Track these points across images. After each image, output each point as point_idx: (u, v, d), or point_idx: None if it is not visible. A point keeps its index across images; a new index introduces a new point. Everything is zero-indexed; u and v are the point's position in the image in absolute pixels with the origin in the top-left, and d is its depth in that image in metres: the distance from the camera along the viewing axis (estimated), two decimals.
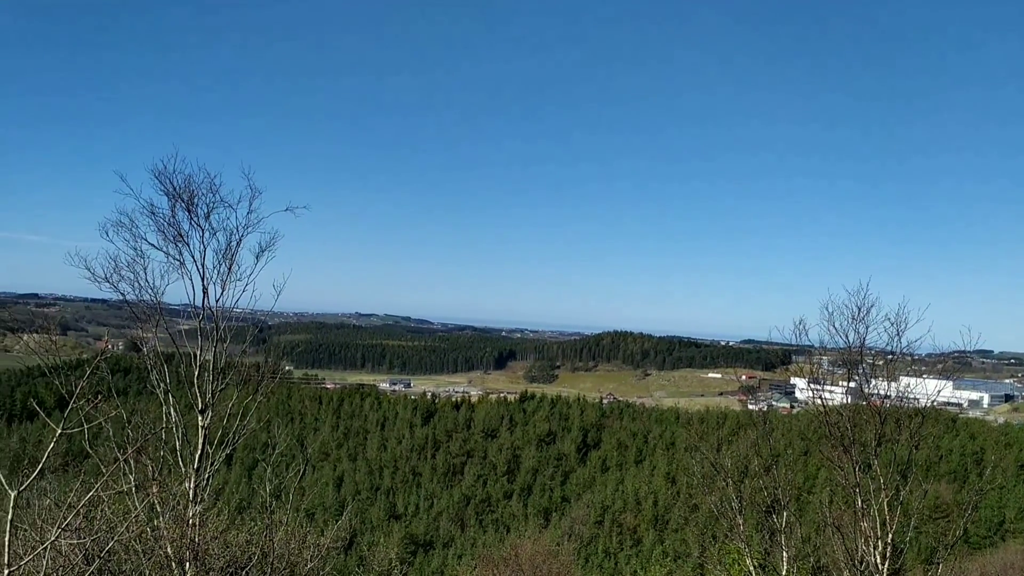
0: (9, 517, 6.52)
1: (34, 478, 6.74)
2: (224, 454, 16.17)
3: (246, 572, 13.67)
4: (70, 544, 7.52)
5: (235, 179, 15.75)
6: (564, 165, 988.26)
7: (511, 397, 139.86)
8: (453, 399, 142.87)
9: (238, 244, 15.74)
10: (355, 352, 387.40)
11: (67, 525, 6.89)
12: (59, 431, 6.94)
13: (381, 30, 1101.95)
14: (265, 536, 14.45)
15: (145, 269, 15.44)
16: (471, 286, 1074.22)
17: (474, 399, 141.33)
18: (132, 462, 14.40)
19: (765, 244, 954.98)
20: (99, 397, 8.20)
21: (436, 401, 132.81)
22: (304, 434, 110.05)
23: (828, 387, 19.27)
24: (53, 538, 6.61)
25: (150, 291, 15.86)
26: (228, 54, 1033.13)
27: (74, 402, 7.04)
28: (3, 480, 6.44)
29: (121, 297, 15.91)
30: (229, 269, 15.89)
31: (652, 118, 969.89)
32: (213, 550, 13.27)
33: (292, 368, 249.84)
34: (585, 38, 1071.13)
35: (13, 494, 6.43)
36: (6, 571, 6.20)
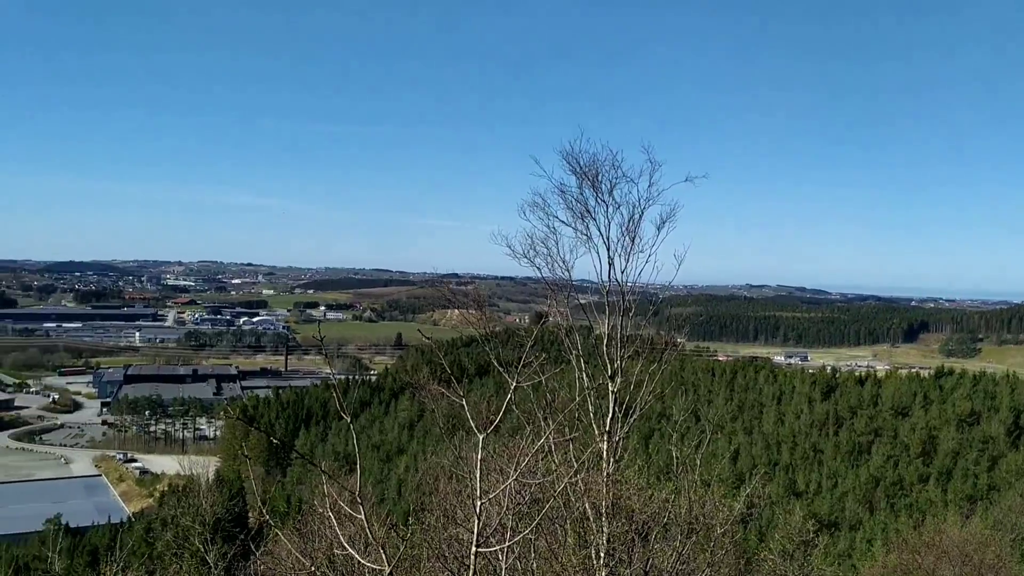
0: (479, 457, 7.65)
1: (496, 423, 7.84)
2: (633, 418, 16.94)
3: (663, 529, 14.33)
4: (520, 484, 8.59)
5: (635, 154, 16.33)
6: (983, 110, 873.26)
7: (924, 372, 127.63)
8: (856, 373, 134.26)
9: (640, 217, 16.32)
10: (746, 324, 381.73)
11: (524, 468, 7.93)
12: (514, 384, 7.97)
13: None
14: (678, 497, 15.00)
15: (557, 244, 16.70)
16: (872, 253, 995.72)
17: (880, 374, 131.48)
18: (551, 422, 15.64)
19: None
20: (542, 357, 9.18)
21: (837, 375, 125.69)
22: (698, 406, 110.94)
23: None
24: (514, 476, 7.67)
25: (561, 264, 17.09)
26: (635, 37, 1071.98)
27: (521, 365, 8.02)
28: (473, 425, 7.60)
29: (536, 271, 17.37)
30: (632, 242, 16.52)
31: None
32: (634, 506, 14.11)
33: (684, 340, 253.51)
34: None
35: (481, 436, 7.56)
36: (478, 502, 7.31)
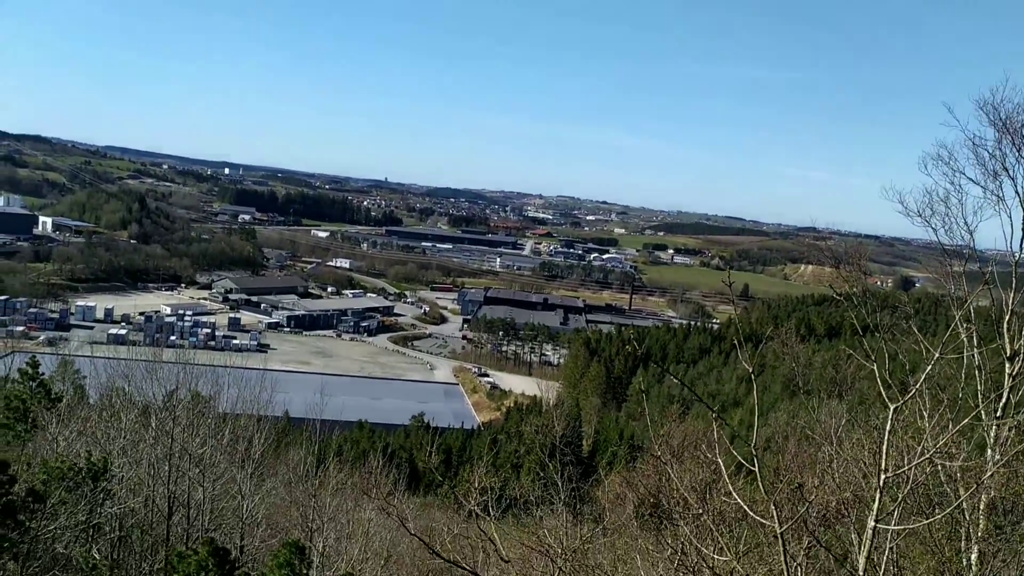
0: (887, 427, 7.09)
1: (910, 396, 7.18)
2: None
3: None
4: (934, 459, 7.86)
5: None
6: None
7: None
8: None
9: None
10: None
11: (938, 442, 7.28)
12: (936, 355, 7.25)
13: None
14: None
15: (961, 204, 14.89)
16: None
17: None
18: (926, 398, 14.20)
19: None
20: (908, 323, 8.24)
21: None
22: None
23: None
24: (931, 452, 7.03)
25: (962, 226, 15.24)
26: None
27: (949, 333, 7.21)
28: (883, 395, 7.03)
29: (931, 233, 15.67)
30: None
31: None
32: None
33: None
34: None
35: (893, 407, 6.98)
36: (882, 476, 6.78)
